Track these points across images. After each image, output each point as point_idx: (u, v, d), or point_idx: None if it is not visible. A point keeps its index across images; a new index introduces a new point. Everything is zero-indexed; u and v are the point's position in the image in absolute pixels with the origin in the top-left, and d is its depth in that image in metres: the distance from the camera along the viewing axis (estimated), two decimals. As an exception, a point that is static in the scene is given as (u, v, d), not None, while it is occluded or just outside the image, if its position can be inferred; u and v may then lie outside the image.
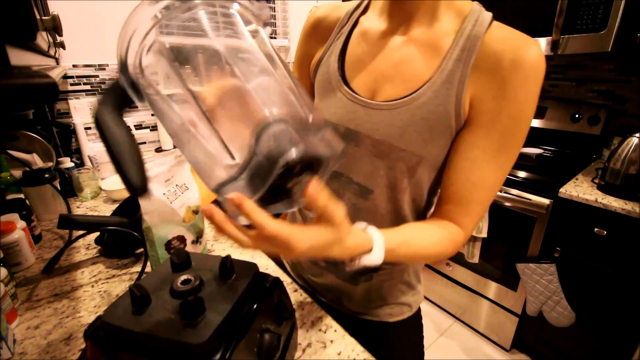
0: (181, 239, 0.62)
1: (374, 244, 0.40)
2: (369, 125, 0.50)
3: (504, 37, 0.43)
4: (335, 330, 0.56)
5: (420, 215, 0.57)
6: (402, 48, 0.49)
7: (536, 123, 1.72)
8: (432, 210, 0.58)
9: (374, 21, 0.53)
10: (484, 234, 1.41)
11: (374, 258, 0.39)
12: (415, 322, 0.68)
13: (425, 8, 0.47)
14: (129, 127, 0.39)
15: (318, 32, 0.58)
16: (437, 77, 0.45)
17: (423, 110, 0.46)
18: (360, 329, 0.64)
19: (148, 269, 0.67)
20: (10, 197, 0.86)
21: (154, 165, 0.58)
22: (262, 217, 0.30)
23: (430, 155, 0.48)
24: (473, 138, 0.45)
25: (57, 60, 1.17)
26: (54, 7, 1.39)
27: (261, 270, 0.46)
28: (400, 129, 0.48)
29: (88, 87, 1.62)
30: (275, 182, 0.29)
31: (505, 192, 1.38)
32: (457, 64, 0.44)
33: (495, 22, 0.45)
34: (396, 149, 0.48)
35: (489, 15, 0.46)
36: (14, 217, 0.74)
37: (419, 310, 0.68)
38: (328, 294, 0.67)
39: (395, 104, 0.48)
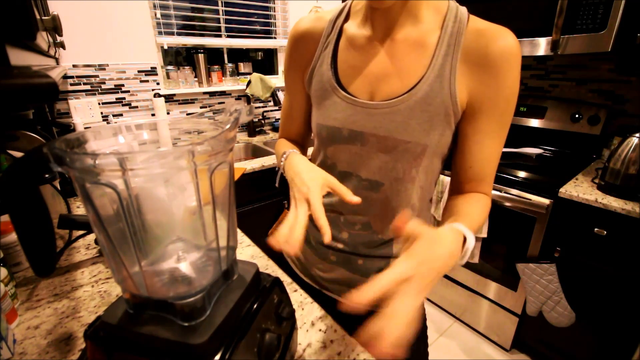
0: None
1: (465, 232, 0.43)
2: (371, 124, 0.54)
3: (482, 30, 0.49)
4: (335, 330, 0.56)
5: (425, 202, 0.62)
6: (392, 50, 0.53)
7: (536, 123, 1.72)
8: (432, 196, 0.64)
9: (358, 28, 0.56)
10: (484, 234, 1.41)
11: (470, 242, 0.43)
12: (420, 313, 0.69)
13: (406, 12, 0.51)
14: (43, 201, 0.37)
15: (304, 44, 0.61)
16: (430, 73, 0.50)
17: (421, 103, 0.50)
18: (367, 320, 0.64)
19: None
20: (10, 197, 0.86)
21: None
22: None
23: (433, 142, 0.52)
24: (479, 124, 0.51)
25: (57, 60, 1.17)
26: (54, 7, 1.39)
27: (261, 270, 0.46)
28: (402, 123, 0.52)
29: (88, 87, 1.62)
30: None
31: (505, 192, 1.38)
32: (445, 59, 0.50)
33: (471, 17, 0.50)
34: (402, 142, 0.53)
35: (464, 10, 0.51)
36: (14, 217, 0.74)
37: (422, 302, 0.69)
38: (337, 288, 0.67)
39: (394, 102, 0.52)
